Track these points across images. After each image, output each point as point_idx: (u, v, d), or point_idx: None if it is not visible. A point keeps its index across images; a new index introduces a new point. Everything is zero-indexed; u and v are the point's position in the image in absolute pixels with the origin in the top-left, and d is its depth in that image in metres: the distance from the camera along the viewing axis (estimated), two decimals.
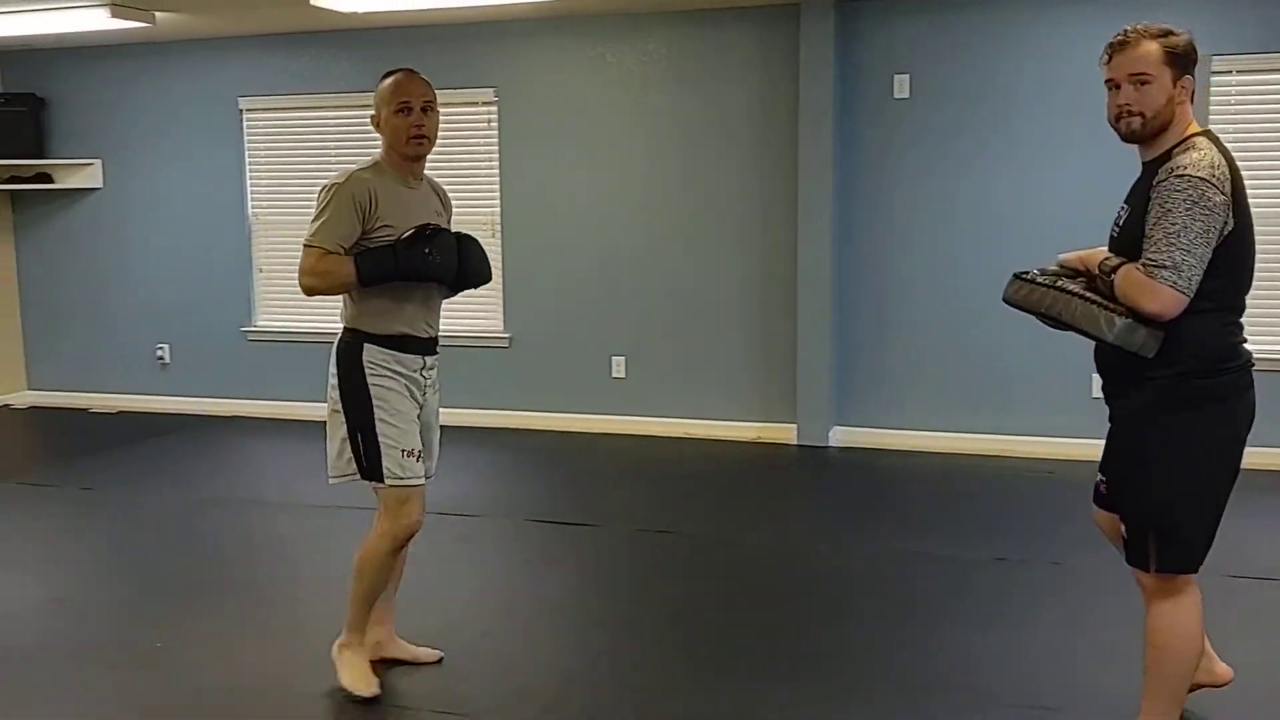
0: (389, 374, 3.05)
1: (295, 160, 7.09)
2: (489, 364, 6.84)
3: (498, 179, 6.71)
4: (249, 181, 7.18)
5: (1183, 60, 2.51)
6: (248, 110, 7.09)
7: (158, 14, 6.11)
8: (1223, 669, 2.91)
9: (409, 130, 2.98)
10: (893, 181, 6.05)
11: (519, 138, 6.68)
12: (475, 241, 3.19)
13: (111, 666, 3.42)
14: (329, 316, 7.15)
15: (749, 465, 5.98)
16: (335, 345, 3.13)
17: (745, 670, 3.34)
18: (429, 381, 3.18)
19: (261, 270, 7.23)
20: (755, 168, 6.28)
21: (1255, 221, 2.54)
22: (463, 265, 3.11)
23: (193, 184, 7.26)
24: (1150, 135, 2.53)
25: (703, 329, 6.47)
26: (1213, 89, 5.53)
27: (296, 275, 3.03)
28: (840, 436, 6.23)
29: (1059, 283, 2.59)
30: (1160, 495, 2.54)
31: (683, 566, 4.37)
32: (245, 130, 7.12)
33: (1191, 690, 2.78)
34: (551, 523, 4.90)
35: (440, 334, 3.21)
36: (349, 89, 6.79)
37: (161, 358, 7.48)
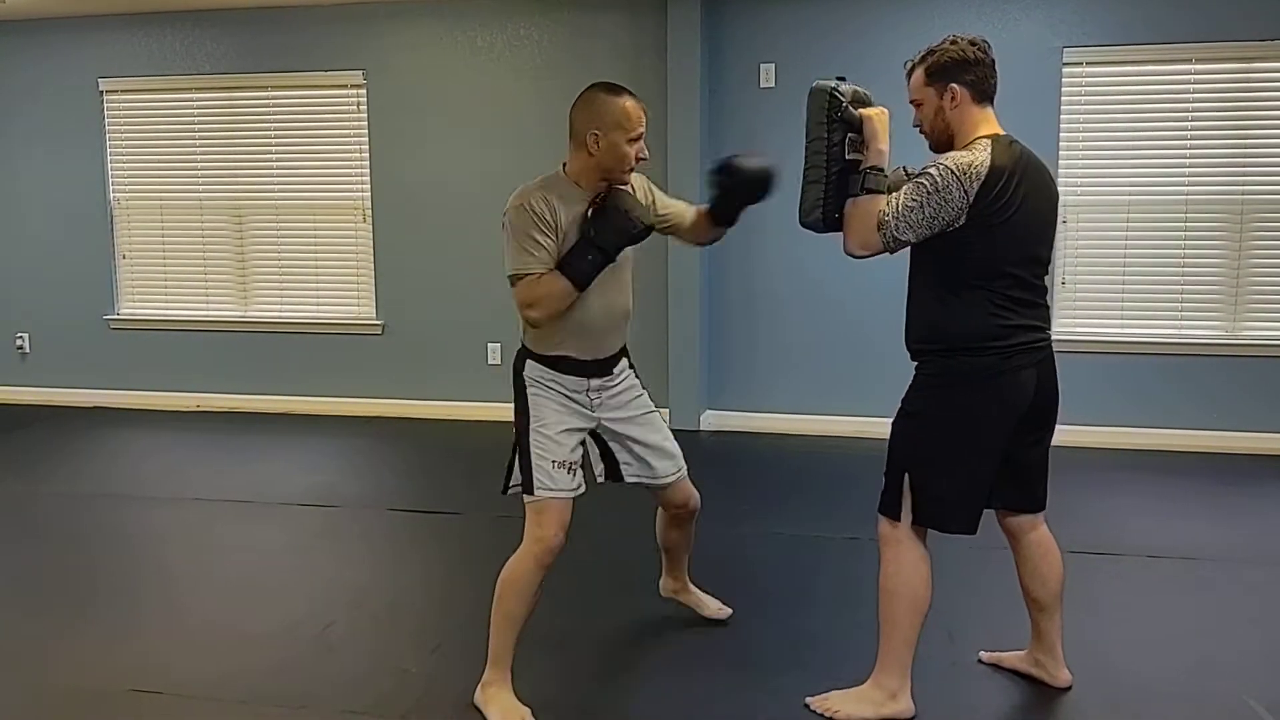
0: (545, 387, 2.99)
1: (160, 143, 6.91)
2: (360, 352, 6.76)
3: (367, 163, 6.61)
4: (111, 165, 6.98)
5: (942, 73, 2.74)
6: (109, 92, 6.88)
7: None
8: (1064, 675, 3.05)
9: (633, 159, 2.94)
10: None
11: (389, 121, 6.59)
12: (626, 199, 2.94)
13: None
14: (194, 304, 7.10)
15: None
16: None
17: (595, 652, 3.36)
18: (598, 401, 3.04)
19: (125, 257, 7.04)
20: None
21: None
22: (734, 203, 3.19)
23: (52, 168, 7.02)
24: (941, 145, 2.80)
25: None
26: (1064, 80, 5.72)
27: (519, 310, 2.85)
28: (712, 420, 6.31)
29: (823, 150, 2.92)
30: (918, 452, 2.77)
31: None
32: (106, 112, 6.91)
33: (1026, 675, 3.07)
34: (415, 511, 4.87)
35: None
36: (215, 70, 6.64)
37: (21, 347, 7.23)
